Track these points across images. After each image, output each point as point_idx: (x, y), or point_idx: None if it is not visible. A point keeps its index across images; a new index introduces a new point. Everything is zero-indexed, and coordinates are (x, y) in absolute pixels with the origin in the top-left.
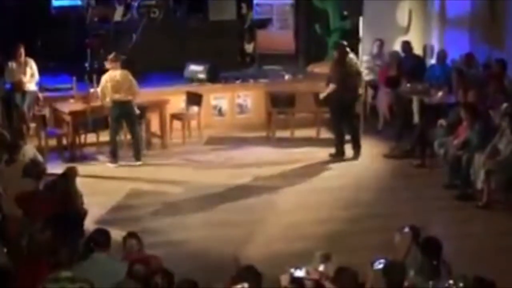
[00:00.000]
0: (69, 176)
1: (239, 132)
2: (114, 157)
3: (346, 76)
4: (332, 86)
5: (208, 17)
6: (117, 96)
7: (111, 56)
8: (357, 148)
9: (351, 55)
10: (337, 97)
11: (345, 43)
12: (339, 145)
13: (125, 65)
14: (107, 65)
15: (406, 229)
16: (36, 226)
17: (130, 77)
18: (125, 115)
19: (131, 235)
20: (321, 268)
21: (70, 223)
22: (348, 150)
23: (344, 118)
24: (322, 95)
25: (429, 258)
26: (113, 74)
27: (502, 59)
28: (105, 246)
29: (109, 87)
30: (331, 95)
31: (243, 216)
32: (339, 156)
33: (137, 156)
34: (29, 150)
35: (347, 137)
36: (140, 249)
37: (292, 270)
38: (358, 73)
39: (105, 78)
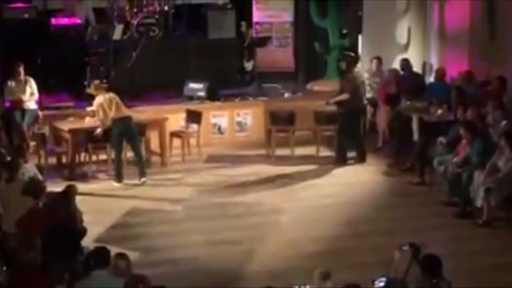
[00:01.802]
0: (69, 194)
1: (238, 150)
2: (119, 176)
3: (356, 85)
4: (345, 95)
5: (208, 35)
6: (118, 113)
7: (96, 84)
8: (361, 159)
9: (358, 66)
10: (349, 106)
11: (352, 54)
12: (341, 153)
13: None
14: (94, 92)
15: (406, 247)
16: (34, 243)
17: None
18: (127, 131)
19: (119, 255)
20: (328, 285)
21: (63, 240)
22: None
23: (351, 130)
24: (332, 100)
25: (429, 276)
26: (106, 97)
27: (501, 76)
28: (105, 264)
29: (108, 106)
30: (343, 104)
31: (243, 234)
32: (340, 162)
33: (142, 173)
34: (29, 168)
35: (350, 154)
36: (128, 269)
37: (297, 287)
38: (363, 84)
39: (99, 102)
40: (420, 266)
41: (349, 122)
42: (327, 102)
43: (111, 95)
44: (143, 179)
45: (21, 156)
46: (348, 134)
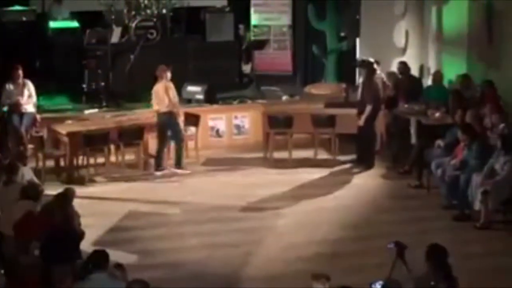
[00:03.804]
0: (67, 197)
1: (236, 153)
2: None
3: (376, 92)
4: (368, 107)
5: (206, 38)
6: (156, 107)
7: (160, 68)
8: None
9: (378, 71)
10: (374, 115)
11: (372, 60)
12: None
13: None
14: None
15: (391, 245)
16: (32, 247)
17: (168, 90)
18: (163, 126)
19: (115, 265)
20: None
21: (61, 244)
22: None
23: (367, 135)
24: (361, 121)
25: (432, 265)
26: (157, 86)
27: (488, 80)
28: (103, 267)
29: (161, 93)
30: (368, 115)
31: (241, 237)
32: (370, 167)
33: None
34: (27, 171)
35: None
36: (124, 279)
37: None
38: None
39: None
40: (425, 256)
41: (367, 127)
42: (360, 123)
43: (163, 85)
44: (158, 173)
45: (20, 159)
46: (363, 139)
